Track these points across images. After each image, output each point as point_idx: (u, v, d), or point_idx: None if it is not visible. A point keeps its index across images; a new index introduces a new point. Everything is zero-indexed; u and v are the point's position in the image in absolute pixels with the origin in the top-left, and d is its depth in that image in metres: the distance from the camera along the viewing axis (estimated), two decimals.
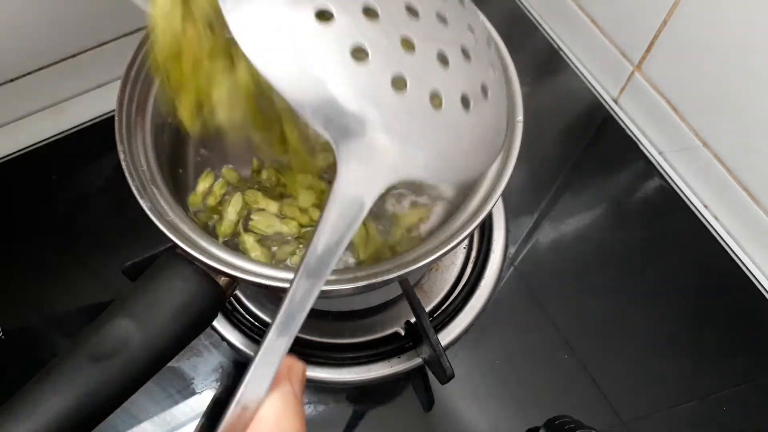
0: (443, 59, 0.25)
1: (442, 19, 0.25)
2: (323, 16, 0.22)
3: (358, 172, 0.22)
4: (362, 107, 0.22)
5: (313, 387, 0.47)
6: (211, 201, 0.41)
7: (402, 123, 0.23)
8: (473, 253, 0.50)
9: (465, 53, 0.25)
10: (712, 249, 0.52)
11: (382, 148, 0.22)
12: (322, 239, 0.22)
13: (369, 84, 0.22)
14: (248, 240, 0.40)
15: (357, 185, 0.22)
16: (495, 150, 0.28)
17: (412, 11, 0.24)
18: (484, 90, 0.26)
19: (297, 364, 0.24)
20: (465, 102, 0.25)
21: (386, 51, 0.23)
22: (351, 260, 0.38)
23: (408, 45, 0.24)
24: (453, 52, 0.25)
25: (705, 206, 0.54)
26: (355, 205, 0.23)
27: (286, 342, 0.22)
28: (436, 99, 0.24)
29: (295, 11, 0.22)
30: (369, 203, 0.23)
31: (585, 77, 0.60)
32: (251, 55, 0.21)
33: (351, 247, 0.38)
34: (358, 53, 0.22)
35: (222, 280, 0.33)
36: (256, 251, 0.39)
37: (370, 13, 0.23)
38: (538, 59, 0.62)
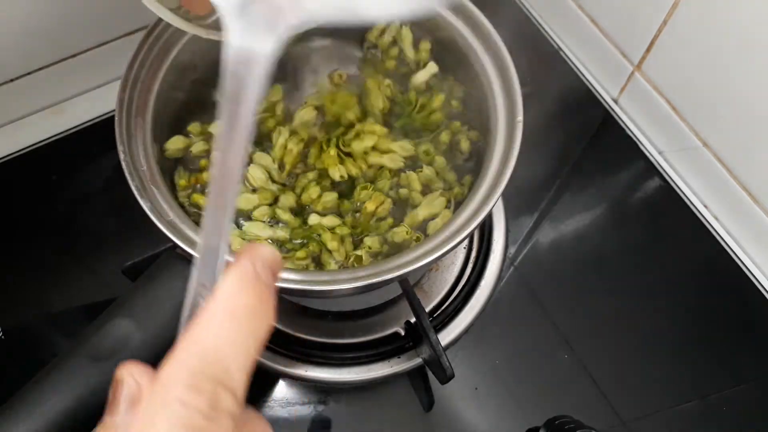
0: None
1: None
2: None
3: (242, 23, 0.20)
4: None
5: (313, 387, 0.47)
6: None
7: None
8: (473, 253, 0.50)
9: None
10: (712, 249, 0.52)
11: None
12: (225, 105, 0.19)
13: None
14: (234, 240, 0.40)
15: (244, 37, 0.20)
16: None
17: None
18: None
19: (261, 247, 0.21)
20: None
21: None
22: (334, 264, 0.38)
23: None
24: None
25: (705, 206, 0.55)
26: (248, 59, 0.20)
27: (226, 215, 0.20)
28: None
29: None
30: (264, 56, 0.20)
31: (585, 77, 0.60)
32: None
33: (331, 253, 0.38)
34: None
35: None
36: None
37: None
38: (539, 59, 0.62)
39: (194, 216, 0.38)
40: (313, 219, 0.38)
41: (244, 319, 0.19)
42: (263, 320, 0.20)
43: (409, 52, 0.43)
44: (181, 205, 0.37)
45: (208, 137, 0.41)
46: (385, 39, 0.44)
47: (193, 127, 0.41)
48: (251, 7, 0.20)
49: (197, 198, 0.39)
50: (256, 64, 0.20)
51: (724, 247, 0.52)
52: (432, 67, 0.43)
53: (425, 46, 0.43)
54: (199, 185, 0.40)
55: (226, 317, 0.19)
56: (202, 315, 0.19)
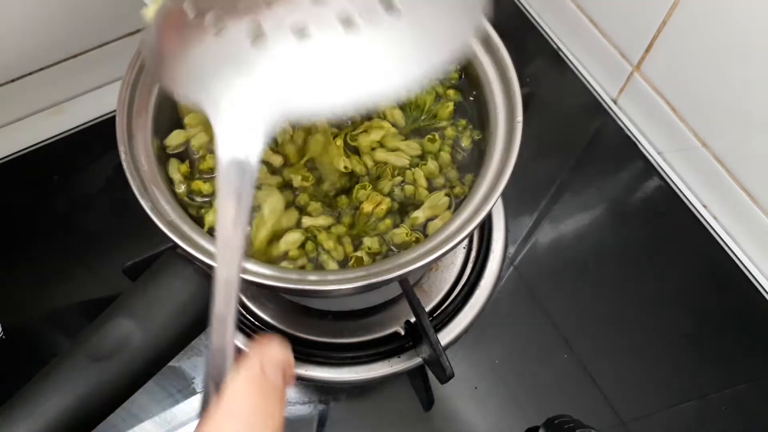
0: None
1: None
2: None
3: (231, 128, 0.21)
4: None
5: (313, 387, 0.47)
6: (207, 188, 0.40)
7: (255, 64, 0.22)
8: (473, 253, 0.50)
9: None
10: (711, 249, 0.52)
11: (242, 97, 0.22)
12: (224, 211, 0.21)
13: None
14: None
15: (235, 144, 0.21)
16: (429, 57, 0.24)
17: None
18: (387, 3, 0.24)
19: (271, 345, 0.22)
20: (348, 24, 0.23)
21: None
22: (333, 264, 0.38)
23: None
24: None
25: (704, 206, 0.55)
26: (241, 166, 0.21)
27: (231, 319, 0.21)
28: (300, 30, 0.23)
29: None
30: (254, 159, 0.22)
31: (584, 77, 0.60)
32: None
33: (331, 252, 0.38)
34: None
35: None
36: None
37: None
38: (538, 60, 0.62)
39: (193, 206, 0.38)
40: (306, 221, 0.38)
41: (249, 421, 0.20)
42: (270, 420, 0.20)
43: None
44: (182, 205, 0.37)
45: (207, 126, 0.41)
46: None
47: (190, 118, 0.41)
48: (235, 102, 0.21)
49: (198, 185, 0.38)
50: (248, 171, 0.21)
51: (723, 247, 0.52)
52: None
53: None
54: (198, 174, 0.39)
55: (230, 420, 0.19)
56: (208, 418, 0.20)
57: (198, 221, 0.37)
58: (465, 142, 0.41)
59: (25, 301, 0.49)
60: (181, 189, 0.38)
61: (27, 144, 0.55)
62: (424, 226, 0.39)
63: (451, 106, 0.42)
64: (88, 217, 0.52)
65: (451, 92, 0.43)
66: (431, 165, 0.40)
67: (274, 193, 0.37)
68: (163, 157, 0.39)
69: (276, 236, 0.37)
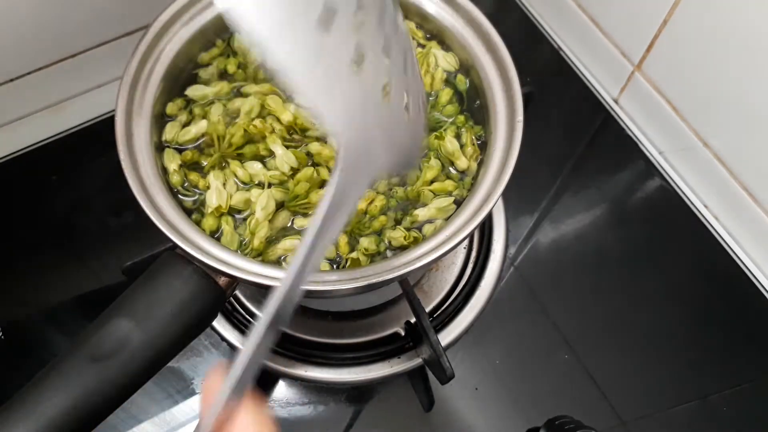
0: (405, 70, 0.27)
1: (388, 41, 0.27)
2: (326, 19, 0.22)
3: (349, 177, 0.23)
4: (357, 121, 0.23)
5: (313, 387, 0.47)
6: (203, 183, 0.40)
7: (385, 128, 0.25)
8: (473, 253, 0.50)
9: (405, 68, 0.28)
10: (712, 249, 0.52)
11: (369, 153, 0.24)
12: (318, 242, 0.23)
13: (365, 96, 0.24)
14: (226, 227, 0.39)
15: (347, 187, 0.23)
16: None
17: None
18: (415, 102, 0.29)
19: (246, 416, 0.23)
20: (407, 108, 0.28)
21: (375, 61, 0.24)
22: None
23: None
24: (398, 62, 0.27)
25: (705, 206, 0.54)
26: (345, 207, 0.23)
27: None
28: (403, 105, 0.26)
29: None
30: (353, 204, 0.24)
31: (585, 77, 0.60)
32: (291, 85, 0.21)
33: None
34: (356, 65, 0.23)
35: (222, 280, 0.33)
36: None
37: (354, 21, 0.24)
38: (539, 59, 0.62)
39: (189, 194, 0.37)
40: (300, 221, 0.38)
41: None
42: None
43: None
44: (178, 200, 0.37)
45: (192, 106, 0.40)
46: None
47: (171, 107, 0.40)
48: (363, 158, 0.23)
49: (196, 179, 0.38)
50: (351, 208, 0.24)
51: (724, 247, 0.52)
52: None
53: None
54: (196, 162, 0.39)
55: None
56: None
57: (190, 213, 0.37)
58: (464, 138, 0.41)
59: (25, 301, 0.49)
60: (176, 178, 0.38)
61: (26, 144, 0.54)
62: (421, 226, 0.38)
63: (449, 90, 0.42)
64: (87, 217, 0.52)
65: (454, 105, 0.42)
66: (434, 163, 0.40)
67: (263, 194, 0.37)
68: (161, 154, 0.39)
69: (273, 238, 0.38)
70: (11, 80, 0.52)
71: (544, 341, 0.48)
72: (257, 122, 0.39)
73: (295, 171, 0.39)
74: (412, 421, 0.46)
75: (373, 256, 0.38)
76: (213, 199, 0.37)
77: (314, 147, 0.39)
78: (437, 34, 0.42)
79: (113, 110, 0.36)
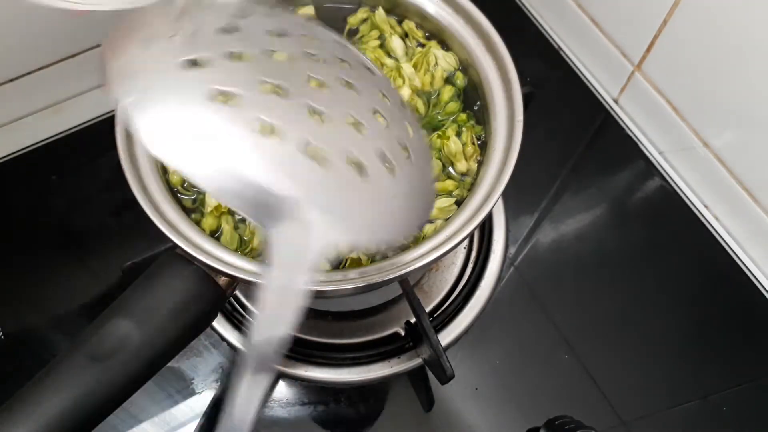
0: (356, 124, 0.24)
1: (350, 87, 0.25)
2: (225, 96, 0.22)
3: (290, 254, 0.22)
4: (285, 186, 0.21)
5: (313, 388, 0.47)
6: None
7: (326, 194, 0.23)
8: (473, 253, 0.50)
9: (379, 115, 0.25)
10: (712, 249, 0.52)
11: (311, 224, 0.22)
12: (261, 332, 0.22)
13: (286, 161, 0.22)
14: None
15: (289, 267, 0.22)
16: (424, 208, 0.28)
17: (316, 81, 0.24)
18: (405, 150, 0.26)
19: None
20: (388, 163, 0.25)
21: (296, 124, 0.22)
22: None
23: (317, 114, 0.23)
24: (366, 116, 0.25)
25: (705, 206, 0.54)
26: (292, 290, 0.22)
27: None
28: (356, 164, 0.24)
29: (192, 105, 0.21)
30: (303, 284, 0.22)
31: (585, 77, 0.60)
32: (161, 156, 0.21)
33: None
34: (267, 131, 0.22)
35: (222, 280, 0.33)
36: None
37: (271, 88, 0.23)
38: (539, 59, 0.62)
39: (189, 193, 0.37)
40: None
41: None
42: None
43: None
44: (177, 199, 0.37)
45: None
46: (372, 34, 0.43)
47: None
48: (304, 232, 0.22)
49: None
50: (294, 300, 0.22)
51: (724, 247, 0.52)
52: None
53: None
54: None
55: None
56: None
57: (189, 213, 0.37)
58: (465, 137, 0.41)
59: (25, 301, 0.49)
60: (176, 178, 0.38)
61: (26, 144, 0.54)
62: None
63: (451, 87, 0.42)
64: (87, 217, 0.52)
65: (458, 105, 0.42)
66: (435, 163, 0.39)
67: None
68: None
69: None
70: (11, 80, 0.52)
71: (544, 341, 0.48)
72: None
73: None
74: (412, 421, 0.46)
75: (373, 256, 0.38)
76: (213, 199, 0.37)
77: None
78: (437, 34, 0.42)
79: (113, 110, 0.36)
